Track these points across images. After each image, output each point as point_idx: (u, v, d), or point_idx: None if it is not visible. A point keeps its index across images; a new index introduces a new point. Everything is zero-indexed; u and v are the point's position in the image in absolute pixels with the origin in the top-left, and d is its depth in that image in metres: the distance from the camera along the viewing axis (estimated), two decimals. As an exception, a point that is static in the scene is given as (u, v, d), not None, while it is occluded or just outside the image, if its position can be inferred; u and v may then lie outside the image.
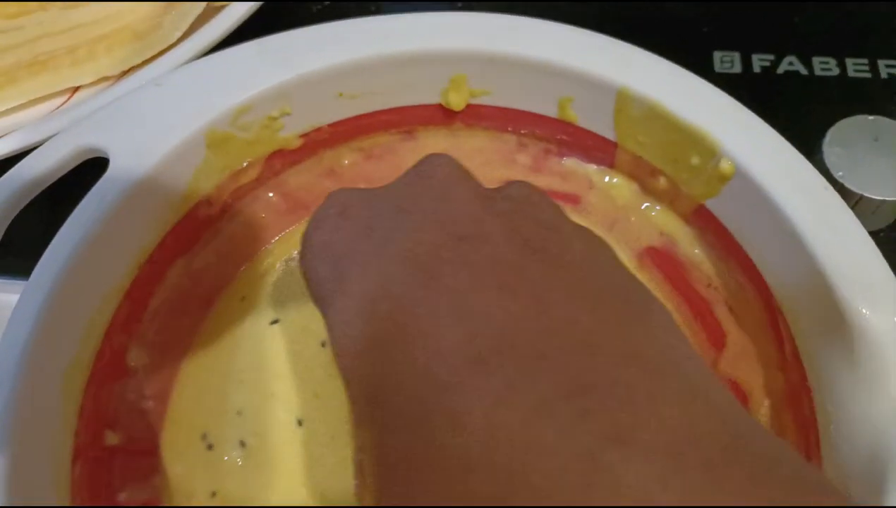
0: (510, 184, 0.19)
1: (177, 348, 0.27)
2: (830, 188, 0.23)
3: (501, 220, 0.17)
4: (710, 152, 0.24)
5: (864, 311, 0.20)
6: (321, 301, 0.18)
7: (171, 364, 0.27)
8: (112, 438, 0.24)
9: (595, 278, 0.16)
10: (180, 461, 0.25)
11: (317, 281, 0.18)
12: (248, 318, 0.27)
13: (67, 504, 0.22)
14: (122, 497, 0.24)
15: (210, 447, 0.25)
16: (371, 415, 0.15)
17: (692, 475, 0.11)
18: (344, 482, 0.24)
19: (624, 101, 0.26)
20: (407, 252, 0.16)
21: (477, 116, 0.29)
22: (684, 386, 0.13)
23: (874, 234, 0.22)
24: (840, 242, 0.22)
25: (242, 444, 0.25)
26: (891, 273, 0.21)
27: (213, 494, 0.24)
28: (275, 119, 0.27)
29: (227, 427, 0.25)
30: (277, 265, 0.29)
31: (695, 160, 0.25)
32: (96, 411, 0.24)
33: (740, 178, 0.24)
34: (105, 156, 0.25)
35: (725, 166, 0.24)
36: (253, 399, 0.26)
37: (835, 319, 0.21)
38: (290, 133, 0.28)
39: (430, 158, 0.20)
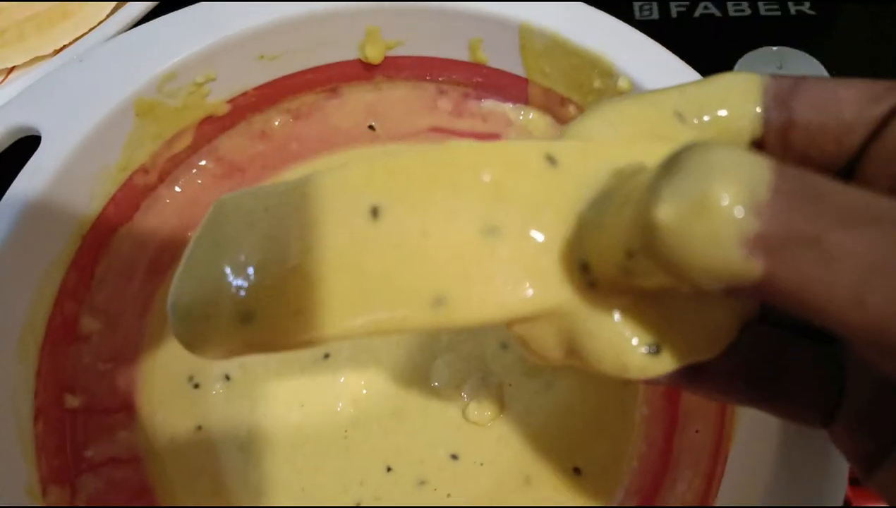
0: None
1: (132, 311, 0.28)
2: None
3: None
4: (608, 73, 0.26)
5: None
6: None
7: (131, 326, 0.28)
8: (72, 401, 0.25)
9: None
10: (162, 408, 0.26)
11: None
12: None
13: (33, 458, 0.23)
14: (89, 454, 0.25)
15: (197, 386, 0.27)
16: None
17: None
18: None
19: (527, 36, 0.27)
20: None
21: (396, 68, 0.30)
22: None
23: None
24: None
25: (227, 378, 0.27)
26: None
27: (199, 427, 0.26)
28: (200, 85, 0.28)
29: (214, 365, 0.27)
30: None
31: (597, 83, 0.27)
32: (53, 372, 0.25)
33: (638, 94, 0.26)
34: (37, 133, 0.26)
35: (623, 84, 0.26)
36: None
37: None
38: (217, 98, 0.29)
39: None
